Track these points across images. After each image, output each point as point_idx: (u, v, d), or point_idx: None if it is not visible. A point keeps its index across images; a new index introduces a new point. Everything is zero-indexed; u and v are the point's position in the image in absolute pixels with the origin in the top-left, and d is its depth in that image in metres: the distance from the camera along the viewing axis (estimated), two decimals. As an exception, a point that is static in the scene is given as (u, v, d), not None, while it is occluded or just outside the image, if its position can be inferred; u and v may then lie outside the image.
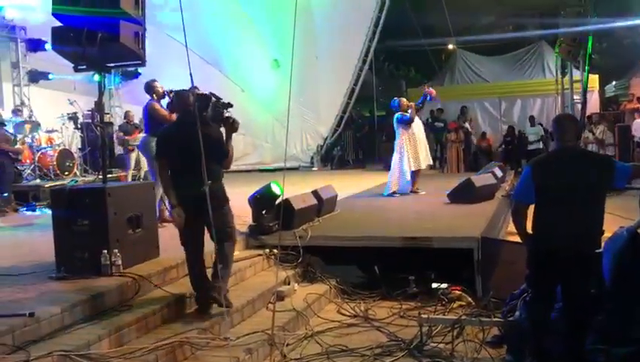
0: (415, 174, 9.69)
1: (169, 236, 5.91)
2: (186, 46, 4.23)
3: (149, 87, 7.21)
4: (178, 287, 4.88)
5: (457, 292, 5.64)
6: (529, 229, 3.99)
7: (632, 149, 14.08)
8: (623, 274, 4.06)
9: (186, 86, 5.63)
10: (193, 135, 4.27)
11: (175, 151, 4.60)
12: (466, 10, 19.72)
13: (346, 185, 11.22)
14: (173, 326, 4.37)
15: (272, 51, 16.88)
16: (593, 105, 17.89)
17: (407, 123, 9.49)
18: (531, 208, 3.96)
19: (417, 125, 9.67)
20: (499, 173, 10.37)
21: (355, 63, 17.81)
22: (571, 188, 3.80)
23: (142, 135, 10.43)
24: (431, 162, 10.39)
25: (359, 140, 21.15)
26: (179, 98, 4.94)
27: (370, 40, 17.74)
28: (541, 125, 17.57)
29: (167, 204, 7.46)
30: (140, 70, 13.18)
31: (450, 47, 22.13)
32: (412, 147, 9.49)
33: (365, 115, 22.74)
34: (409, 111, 9.51)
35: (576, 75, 16.18)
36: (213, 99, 4.85)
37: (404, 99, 9.88)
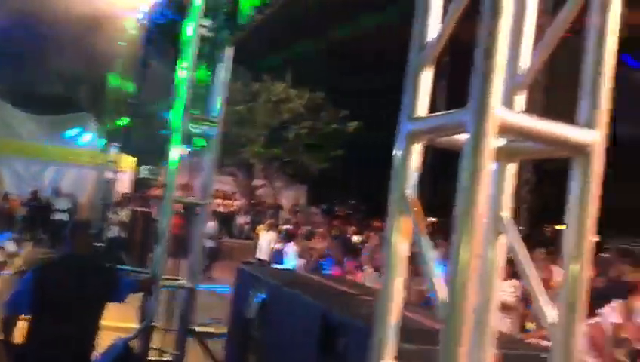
0: None
1: None
2: None
3: None
4: None
5: None
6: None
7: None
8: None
9: None
10: None
11: None
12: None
13: None
14: None
15: None
16: (126, 184, 18.53)
17: None
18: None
19: None
20: (11, 248, 9.36)
21: None
22: (72, 298, 3.60)
23: None
24: None
25: None
26: None
27: None
28: (72, 196, 16.90)
29: None
30: None
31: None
32: None
33: None
34: None
35: (114, 151, 16.06)
36: None
37: None
